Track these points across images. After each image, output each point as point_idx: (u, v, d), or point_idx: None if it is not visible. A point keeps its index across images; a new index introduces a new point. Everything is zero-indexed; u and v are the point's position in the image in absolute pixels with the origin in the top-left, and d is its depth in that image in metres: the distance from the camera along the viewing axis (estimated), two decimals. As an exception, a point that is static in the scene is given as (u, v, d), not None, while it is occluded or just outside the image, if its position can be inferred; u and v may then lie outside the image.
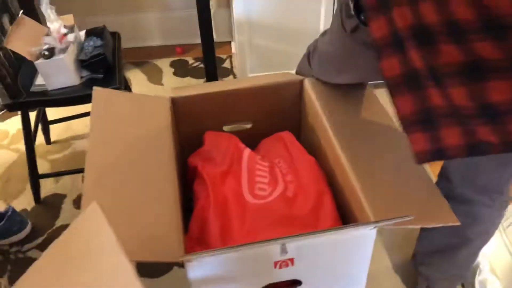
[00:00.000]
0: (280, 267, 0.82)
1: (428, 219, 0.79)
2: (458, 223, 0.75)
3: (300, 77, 1.12)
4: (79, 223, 0.68)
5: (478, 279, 1.18)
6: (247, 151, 1.04)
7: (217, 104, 1.12)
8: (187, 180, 1.10)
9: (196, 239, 0.89)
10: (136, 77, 2.12)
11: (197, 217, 0.92)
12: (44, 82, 1.35)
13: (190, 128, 1.15)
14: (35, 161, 1.47)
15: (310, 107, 1.09)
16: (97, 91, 1.00)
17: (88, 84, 1.36)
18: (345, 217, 0.93)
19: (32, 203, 1.55)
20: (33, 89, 1.35)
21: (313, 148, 1.10)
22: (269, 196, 0.93)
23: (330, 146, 0.97)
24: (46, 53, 1.28)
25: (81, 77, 1.37)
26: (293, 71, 1.31)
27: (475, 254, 1.06)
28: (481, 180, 0.91)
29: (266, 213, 0.90)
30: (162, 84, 2.08)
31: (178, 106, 1.09)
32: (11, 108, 1.33)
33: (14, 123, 1.92)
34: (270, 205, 0.91)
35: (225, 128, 1.17)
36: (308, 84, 1.10)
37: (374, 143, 0.94)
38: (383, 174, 0.87)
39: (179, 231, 0.78)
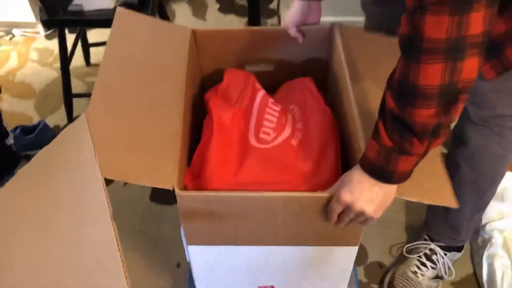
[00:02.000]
0: None
1: (427, 195, 0.76)
2: (456, 206, 0.74)
3: (328, 24, 1.06)
4: (65, 135, 0.71)
5: (487, 252, 1.14)
6: (261, 93, 1.02)
7: (240, 42, 1.09)
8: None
9: (195, 173, 0.89)
10: (181, 10, 2.12)
11: (199, 152, 0.92)
12: (81, 3, 1.37)
13: (212, 64, 1.13)
14: (69, 80, 1.53)
15: (336, 54, 1.04)
16: (120, 12, 1.00)
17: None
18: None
19: (65, 121, 1.63)
20: (70, 8, 1.38)
21: (335, 97, 1.06)
22: (272, 142, 0.92)
23: (346, 98, 0.93)
24: (84, -27, 1.29)
25: (116, 1, 1.38)
26: (332, 18, 1.26)
27: (472, 193, 1.04)
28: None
29: (266, 158, 0.88)
30: (205, 20, 2.06)
31: (201, 40, 1.06)
32: (47, 25, 1.37)
33: (60, 43, 1.98)
34: (272, 151, 0.90)
35: (247, 68, 1.15)
36: (337, 31, 1.04)
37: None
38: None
39: (176, 161, 0.79)
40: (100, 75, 0.90)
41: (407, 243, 1.22)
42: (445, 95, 0.58)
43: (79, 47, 1.72)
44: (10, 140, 1.37)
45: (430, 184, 0.77)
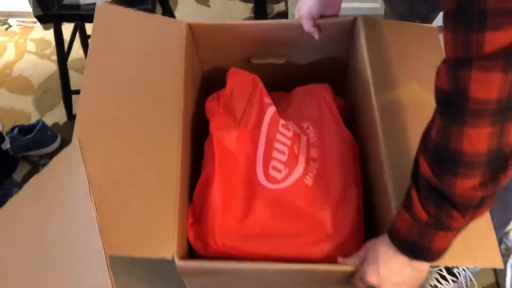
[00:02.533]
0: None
1: (466, 256, 0.66)
2: (502, 267, 0.66)
3: (350, 16, 0.93)
4: (59, 161, 0.64)
5: (510, 262, 1.08)
6: (270, 111, 0.89)
7: (244, 38, 0.98)
8: None
9: (197, 215, 0.79)
10: (185, -4, 2.02)
11: (200, 190, 0.82)
12: (77, -4, 1.29)
13: (213, 60, 1.03)
14: (67, 77, 1.45)
15: (358, 54, 0.91)
16: (100, 8, 0.87)
17: (120, 2, 1.28)
18: (372, 218, 0.81)
19: (65, 118, 1.56)
20: (66, 1, 1.30)
21: (354, 104, 0.96)
22: (284, 181, 0.81)
23: (370, 114, 0.81)
24: (78, -36, 1.21)
25: (114, -7, 1.30)
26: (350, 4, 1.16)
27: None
28: None
29: (277, 202, 0.78)
30: (209, 6, 1.97)
31: (199, 35, 0.96)
32: (42, 20, 1.29)
33: (58, 33, 1.89)
34: (283, 192, 0.80)
35: (253, 61, 1.03)
36: (361, 24, 0.90)
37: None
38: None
39: (174, 218, 0.71)
40: (83, 99, 0.79)
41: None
42: (494, 162, 0.49)
43: (77, 38, 1.64)
44: (6, 145, 1.31)
45: (470, 237, 0.65)
